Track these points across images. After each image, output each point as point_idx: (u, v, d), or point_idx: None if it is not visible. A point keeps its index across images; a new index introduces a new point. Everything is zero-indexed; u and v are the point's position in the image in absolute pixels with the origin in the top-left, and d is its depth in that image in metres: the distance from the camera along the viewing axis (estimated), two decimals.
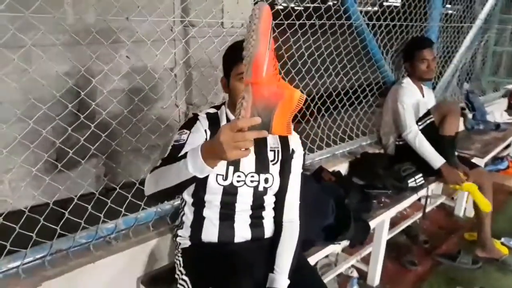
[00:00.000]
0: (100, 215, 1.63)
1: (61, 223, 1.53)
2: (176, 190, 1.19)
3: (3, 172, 1.76)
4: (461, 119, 3.84)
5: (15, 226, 1.40)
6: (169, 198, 1.31)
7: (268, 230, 1.52)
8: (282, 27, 2.09)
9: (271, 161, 1.46)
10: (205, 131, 1.41)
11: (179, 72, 2.12)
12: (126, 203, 1.70)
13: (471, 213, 3.38)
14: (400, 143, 2.83)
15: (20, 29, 1.39)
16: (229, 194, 1.41)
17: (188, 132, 1.35)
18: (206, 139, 1.38)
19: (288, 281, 1.38)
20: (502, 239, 2.91)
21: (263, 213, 1.50)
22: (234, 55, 1.34)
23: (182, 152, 1.22)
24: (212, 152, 1.03)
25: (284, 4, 2.64)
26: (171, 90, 2.10)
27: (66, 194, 1.60)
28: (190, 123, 1.41)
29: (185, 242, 1.51)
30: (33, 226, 1.46)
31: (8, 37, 1.36)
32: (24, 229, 1.42)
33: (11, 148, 1.42)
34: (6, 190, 1.89)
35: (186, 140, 1.33)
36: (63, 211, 1.55)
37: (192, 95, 2.13)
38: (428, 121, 2.71)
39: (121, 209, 1.68)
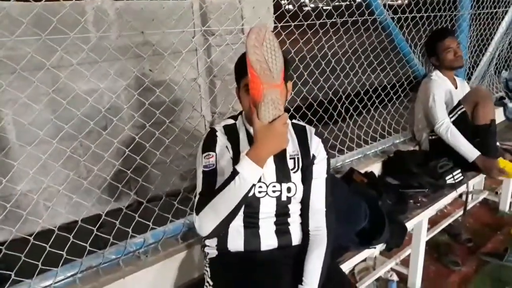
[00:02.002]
0: (128, 230, 1.63)
1: (90, 239, 1.55)
2: (236, 212, 1.28)
3: (36, 192, 1.80)
4: (501, 108, 3.67)
5: (45, 245, 1.42)
6: (228, 226, 1.34)
7: (296, 237, 1.47)
8: (302, 28, 2.05)
9: (292, 169, 1.42)
10: (226, 147, 1.40)
11: (202, 82, 2.12)
12: (154, 216, 1.70)
13: None
14: (434, 137, 2.71)
15: (44, 51, 1.43)
16: (252, 205, 1.38)
17: (213, 154, 1.36)
18: (230, 155, 1.39)
19: None
20: None
21: (289, 220, 1.46)
22: (242, 67, 1.30)
23: (222, 178, 1.29)
24: (266, 151, 1.22)
25: (312, 5, 2.60)
26: (194, 101, 2.09)
27: (94, 211, 1.62)
28: (210, 142, 1.39)
29: (213, 252, 1.49)
30: (62, 244, 1.48)
31: (37, 59, 1.39)
32: (54, 248, 1.44)
33: (43, 169, 1.45)
34: (41, 210, 1.94)
35: (215, 163, 1.35)
36: (92, 228, 1.56)
37: (216, 104, 2.12)
38: (459, 112, 2.59)
39: (149, 223, 1.68)
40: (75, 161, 1.75)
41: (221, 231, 1.32)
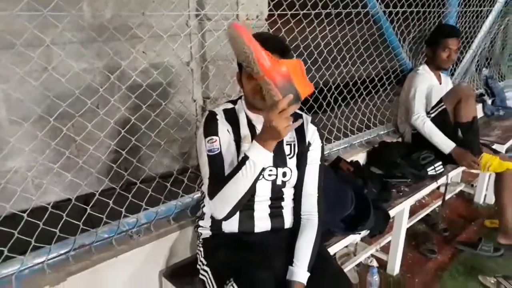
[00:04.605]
0: (121, 209, 1.64)
1: (83, 218, 1.55)
2: (248, 195, 1.33)
3: (26, 169, 1.79)
4: (480, 105, 3.79)
5: (39, 222, 1.42)
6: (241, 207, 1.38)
7: (288, 220, 1.53)
8: (298, 17, 2.07)
9: (288, 155, 1.46)
10: (228, 131, 1.42)
11: (195, 66, 2.12)
12: (147, 197, 1.72)
13: (491, 199, 3.34)
14: (415, 131, 2.80)
15: (38, 28, 1.40)
16: None
17: (217, 138, 1.39)
18: (232, 138, 1.43)
19: (308, 274, 1.38)
20: None
21: (282, 204, 1.51)
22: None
23: (227, 161, 1.38)
24: (270, 139, 1.25)
25: None
26: (187, 85, 2.10)
27: (87, 189, 1.62)
28: (212, 125, 1.41)
29: (206, 233, 1.53)
30: (55, 222, 1.48)
31: (28, 36, 1.37)
32: (47, 225, 1.44)
33: (33, 146, 1.44)
34: (30, 188, 1.92)
35: (220, 147, 1.38)
36: (85, 206, 1.57)
37: (209, 88, 2.13)
38: (439, 110, 2.67)
39: (141, 203, 1.70)
40: (66, 140, 1.73)
41: (235, 213, 1.36)
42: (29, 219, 1.40)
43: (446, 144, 2.60)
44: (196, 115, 2.19)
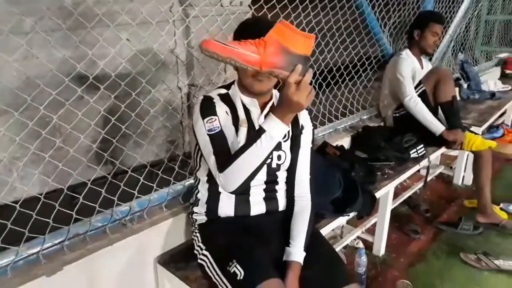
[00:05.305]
0: (114, 198, 1.64)
1: (76, 208, 1.54)
2: (260, 169, 1.29)
3: (10, 160, 1.75)
4: (457, 89, 3.89)
5: (32, 213, 1.41)
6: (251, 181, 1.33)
7: (281, 203, 1.56)
8: (283, 3, 2.08)
9: (282, 138, 1.47)
10: (226, 112, 1.41)
11: (181, 53, 2.11)
12: (139, 185, 1.71)
13: (469, 181, 3.45)
14: (397, 114, 2.87)
15: (22, 15, 1.37)
16: None
17: (216, 117, 1.35)
18: (232, 122, 1.41)
19: (304, 253, 1.41)
20: (501, 205, 3.00)
21: (276, 187, 1.54)
22: (242, 34, 1.30)
23: (230, 138, 1.35)
24: (289, 112, 1.21)
25: None
26: (173, 72, 2.09)
27: (76, 179, 1.61)
28: (209, 107, 1.38)
29: (202, 218, 1.54)
30: (47, 212, 1.47)
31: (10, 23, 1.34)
32: (40, 216, 1.43)
33: (17, 136, 1.42)
34: (14, 178, 1.89)
35: (220, 125, 1.35)
36: (77, 196, 1.55)
37: (195, 76, 2.12)
38: (419, 91, 2.75)
39: (134, 192, 1.69)
40: (51, 129, 1.70)
41: (245, 187, 1.32)
42: (22, 209, 1.38)
43: (437, 126, 2.68)
44: (182, 103, 2.18)
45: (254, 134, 1.27)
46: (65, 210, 1.51)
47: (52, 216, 1.46)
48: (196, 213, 1.55)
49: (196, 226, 1.55)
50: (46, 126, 1.49)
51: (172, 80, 2.09)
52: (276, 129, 1.23)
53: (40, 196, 1.46)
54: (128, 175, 1.72)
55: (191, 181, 1.82)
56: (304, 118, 1.53)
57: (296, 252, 1.40)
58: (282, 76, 1.15)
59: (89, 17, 1.60)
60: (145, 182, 1.74)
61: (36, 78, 1.53)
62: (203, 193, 1.53)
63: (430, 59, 3.57)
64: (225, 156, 1.30)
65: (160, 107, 1.91)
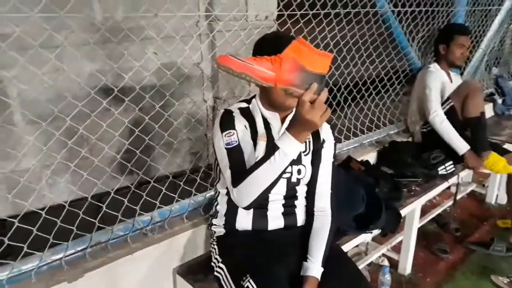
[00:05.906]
0: (136, 207, 1.67)
1: (99, 216, 1.58)
2: (273, 185, 1.29)
3: (40, 168, 1.82)
4: (491, 104, 3.78)
5: (56, 220, 1.45)
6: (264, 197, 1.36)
7: (300, 218, 1.55)
8: (307, 18, 2.09)
9: (303, 152, 1.47)
10: (245, 126, 1.41)
11: (206, 67, 2.14)
12: (160, 196, 1.74)
13: (503, 200, 3.33)
14: (426, 130, 2.80)
15: (53, 30, 1.43)
16: None
17: (234, 132, 1.37)
18: (251, 136, 1.41)
19: (322, 269, 1.39)
20: None
21: (296, 202, 1.53)
22: (261, 49, 1.31)
23: (247, 153, 1.36)
24: (304, 130, 1.20)
25: None
26: (198, 85, 2.12)
27: (101, 188, 1.65)
28: (229, 121, 1.40)
29: (220, 231, 1.55)
30: (71, 220, 1.51)
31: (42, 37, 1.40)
32: (64, 223, 1.47)
33: (46, 145, 1.47)
34: (44, 186, 1.95)
35: (238, 139, 1.37)
36: (101, 204, 1.59)
37: (219, 89, 2.15)
38: (447, 107, 2.67)
39: (155, 202, 1.72)
40: (78, 140, 1.75)
41: (258, 203, 1.33)
42: (47, 216, 1.43)
43: (460, 146, 2.59)
44: (207, 115, 2.21)
45: (269, 150, 1.27)
46: (89, 218, 1.55)
47: (76, 224, 1.51)
48: (215, 225, 1.56)
49: (214, 238, 1.56)
50: (74, 136, 1.55)
51: (196, 93, 2.12)
52: (290, 147, 1.22)
53: (65, 204, 1.50)
54: (151, 186, 1.76)
55: (212, 192, 1.83)
56: (326, 132, 1.52)
57: (314, 268, 1.38)
58: (296, 94, 1.15)
59: (116, 31, 1.66)
60: (167, 192, 1.76)
61: (66, 91, 1.60)
62: (222, 205, 1.54)
63: (461, 74, 3.50)
64: (240, 171, 1.31)
65: (184, 119, 1.94)
